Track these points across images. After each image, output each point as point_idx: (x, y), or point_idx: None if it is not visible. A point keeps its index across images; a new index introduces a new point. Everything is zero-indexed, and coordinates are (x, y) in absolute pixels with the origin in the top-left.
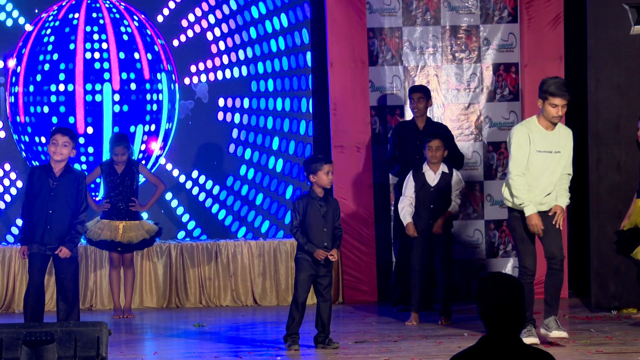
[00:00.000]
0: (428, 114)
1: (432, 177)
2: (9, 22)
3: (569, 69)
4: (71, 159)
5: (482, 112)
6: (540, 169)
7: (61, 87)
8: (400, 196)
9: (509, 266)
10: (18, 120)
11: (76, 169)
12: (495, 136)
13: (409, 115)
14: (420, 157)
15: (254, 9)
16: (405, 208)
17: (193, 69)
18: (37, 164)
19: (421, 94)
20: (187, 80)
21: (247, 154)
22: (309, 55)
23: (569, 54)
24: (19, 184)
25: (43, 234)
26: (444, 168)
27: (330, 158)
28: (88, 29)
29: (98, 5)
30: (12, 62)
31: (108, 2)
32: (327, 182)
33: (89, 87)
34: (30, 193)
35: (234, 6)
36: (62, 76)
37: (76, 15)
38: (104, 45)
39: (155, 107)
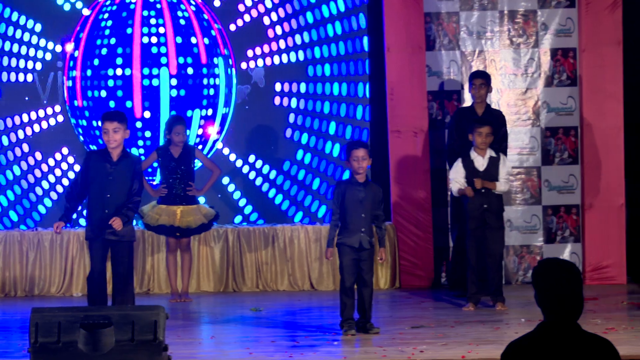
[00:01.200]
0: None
1: (480, 162)
2: (67, 7)
3: (628, 54)
4: (129, 143)
5: (539, 98)
6: None
7: (118, 72)
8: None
9: (567, 252)
10: (76, 104)
11: (132, 154)
12: (553, 121)
13: (466, 100)
14: None
15: None
16: (456, 186)
17: (250, 53)
18: (95, 148)
19: (483, 80)
20: (243, 65)
21: (304, 138)
22: (365, 40)
23: (628, 38)
24: (77, 167)
25: (101, 218)
26: (491, 152)
27: (366, 143)
28: (145, 13)
29: None
30: (69, 47)
31: None
32: (355, 167)
33: (146, 71)
34: (84, 177)
35: None
36: (119, 60)
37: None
38: (161, 30)
39: (212, 91)
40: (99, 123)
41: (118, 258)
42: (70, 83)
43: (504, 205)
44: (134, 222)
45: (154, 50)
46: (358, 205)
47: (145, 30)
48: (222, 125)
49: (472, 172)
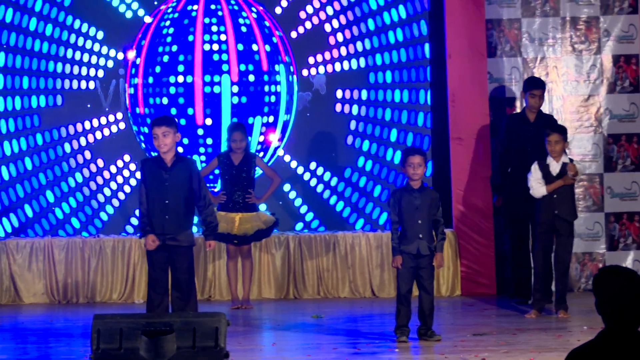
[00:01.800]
0: (544, 104)
1: (554, 167)
2: (129, 14)
3: None
4: (190, 150)
5: (602, 104)
6: None
7: (180, 79)
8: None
9: (629, 259)
10: (137, 111)
11: (186, 157)
12: (616, 128)
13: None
14: (532, 149)
15: (372, 0)
16: (541, 189)
17: (311, 60)
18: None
19: (542, 91)
20: (305, 72)
21: (365, 145)
22: (427, 46)
23: None
24: (139, 175)
25: (162, 224)
26: (564, 159)
27: (422, 150)
28: (207, 20)
29: None
30: (131, 54)
31: None
32: (411, 173)
33: (207, 78)
34: (145, 185)
35: None
36: (181, 68)
37: (195, 7)
38: (223, 37)
39: (273, 98)
40: None
41: (178, 263)
42: (132, 90)
43: (577, 212)
44: (194, 229)
45: (216, 57)
46: (415, 211)
47: (207, 37)
48: (283, 132)
49: (547, 177)
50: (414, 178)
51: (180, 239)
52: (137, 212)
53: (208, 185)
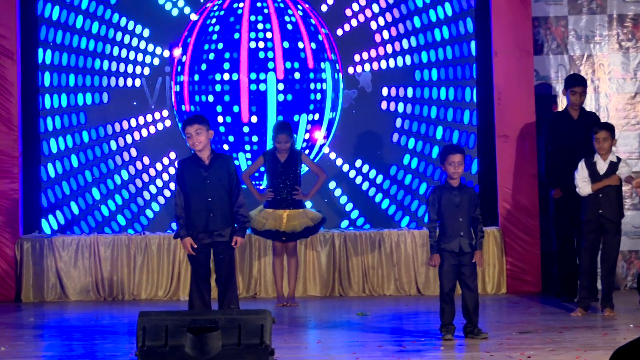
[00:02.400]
0: (591, 101)
1: (601, 165)
2: (175, 12)
3: None
4: (236, 148)
5: None
6: None
7: (226, 77)
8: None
9: None
10: (183, 109)
11: (223, 153)
12: None
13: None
14: (578, 146)
15: None
16: (587, 187)
17: (357, 58)
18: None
19: (584, 88)
20: (350, 70)
21: (411, 143)
22: (473, 44)
23: None
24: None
25: (207, 222)
26: (612, 157)
27: (462, 149)
28: (252, 18)
29: None
30: (177, 52)
31: None
32: (451, 172)
33: (253, 76)
34: (182, 186)
35: None
36: (226, 65)
37: (241, 4)
38: (269, 35)
39: (319, 96)
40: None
41: (220, 258)
42: (177, 88)
43: (623, 211)
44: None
45: (261, 55)
46: (455, 209)
47: (253, 35)
48: (328, 130)
49: (593, 175)
50: (454, 177)
51: (225, 234)
52: None
53: (254, 182)
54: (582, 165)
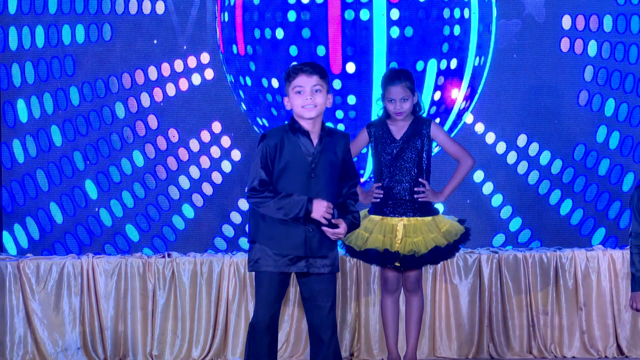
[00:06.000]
0: None
1: None
2: None
3: None
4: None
5: None
6: None
7: None
8: None
9: None
10: (235, 51)
11: (336, 128)
12: None
13: None
14: None
15: None
16: None
17: None
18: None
19: None
20: None
21: (609, 108)
22: None
23: None
24: (237, 156)
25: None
26: None
27: None
28: None
29: None
30: None
31: None
32: None
33: None
34: (268, 172)
35: None
36: None
37: None
38: None
39: (457, 30)
40: (275, 81)
41: (316, 293)
42: (226, 17)
43: None
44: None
45: None
46: None
47: None
48: (472, 86)
49: None
50: None
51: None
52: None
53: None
54: None
